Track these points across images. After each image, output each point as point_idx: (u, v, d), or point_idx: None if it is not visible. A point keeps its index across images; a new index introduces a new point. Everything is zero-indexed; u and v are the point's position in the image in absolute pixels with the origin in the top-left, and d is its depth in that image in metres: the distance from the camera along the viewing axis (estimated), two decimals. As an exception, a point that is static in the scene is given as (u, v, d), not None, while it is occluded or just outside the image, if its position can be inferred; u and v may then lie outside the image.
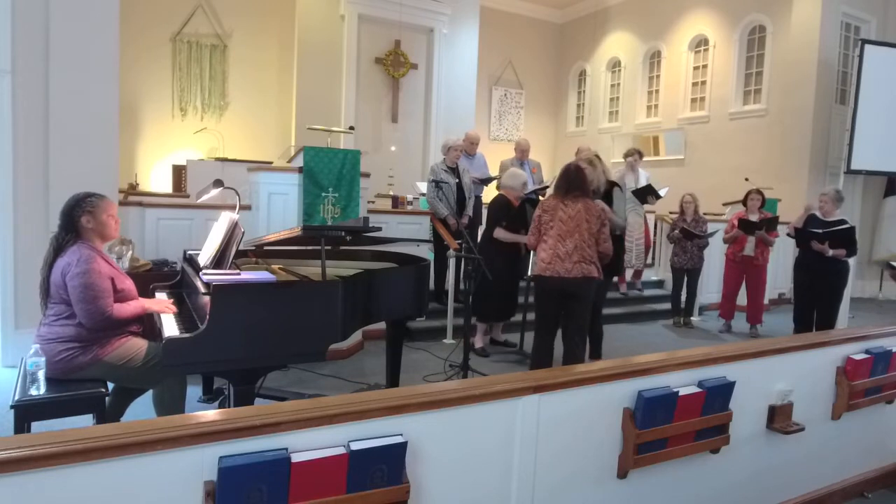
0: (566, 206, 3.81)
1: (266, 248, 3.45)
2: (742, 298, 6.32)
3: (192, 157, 8.02)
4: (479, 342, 5.12)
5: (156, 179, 8.69)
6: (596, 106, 12.18)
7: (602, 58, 11.98)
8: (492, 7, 11.29)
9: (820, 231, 4.97)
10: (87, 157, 4.17)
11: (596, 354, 4.61)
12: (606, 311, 6.36)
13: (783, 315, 7.01)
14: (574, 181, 3.90)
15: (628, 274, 7.02)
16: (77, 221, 2.60)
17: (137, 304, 2.70)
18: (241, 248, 3.00)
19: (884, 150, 8.36)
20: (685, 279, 6.44)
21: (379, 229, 3.12)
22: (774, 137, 8.99)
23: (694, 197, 6.44)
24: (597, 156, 4.72)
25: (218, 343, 2.32)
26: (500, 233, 4.73)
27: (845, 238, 5.00)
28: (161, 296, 3.16)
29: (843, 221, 5.18)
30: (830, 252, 4.96)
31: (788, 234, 5.43)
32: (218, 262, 2.78)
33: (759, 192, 6.13)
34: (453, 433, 1.74)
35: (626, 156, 6.84)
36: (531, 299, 5.75)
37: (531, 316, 5.80)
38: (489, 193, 5.90)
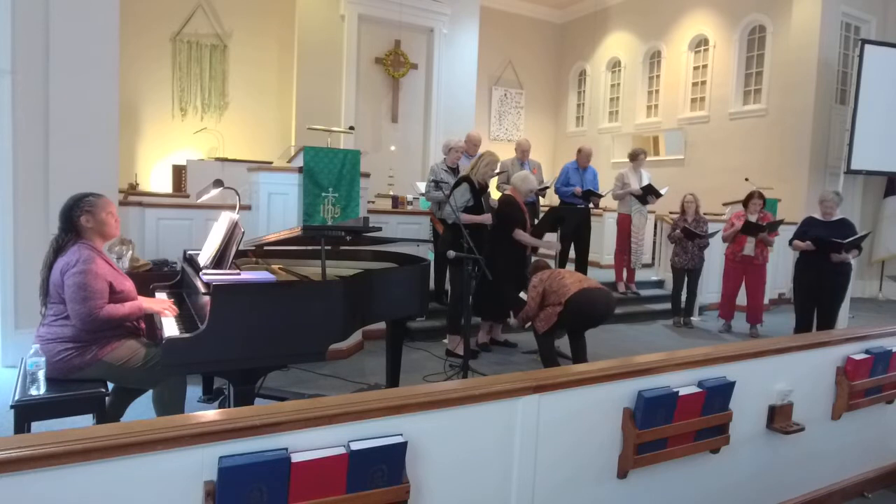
0: (552, 269, 4.39)
1: (266, 248, 3.45)
2: (742, 298, 6.32)
3: (192, 157, 8.02)
4: (482, 338, 5.13)
5: (156, 179, 8.69)
6: (596, 106, 12.18)
7: (602, 58, 11.98)
8: (492, 7, 11.29)
9: (843, 241, 5.02)
10: (87, 157, 4.17)
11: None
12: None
13: (783, 315, 7.01)
14: (543, 264, 4.52)
15: (623, 275, 7.04)
16: (76, 221, 2.60)
17: (134, 304, 2.68)
18: (241, 248, 3.00)
19: (884, 150, 8.36)
20: (685, 279, 6.45)
21: (379, 229, 3.12)
22: (774, 137, 8.99)
23: (695, 197, 6.44)
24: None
25: (218, 343, 2.32)
26: (520, 235, 4.76)
27: (860, 241, 5.12)
28: (161, 296, 3.15)
29: (844, 220, 5.22)
30: (850, 257, 5.08)
31: (794, 248, 5.40)
32: (218, 262, 2.77)
33: (760, 195, 6.13)
34: (453, 433, 1.74)
35: (632, 157, 6.84)
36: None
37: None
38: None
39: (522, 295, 4.38)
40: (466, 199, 4.61)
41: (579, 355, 4.29)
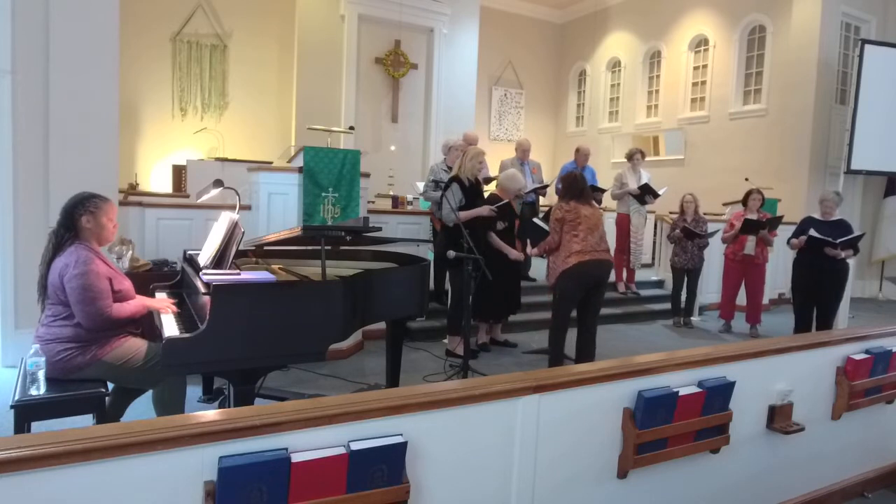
0: (584, 206, 4.26)
1: (266, 248, 3.45)
2: (742, 298, 6.32)
3: (192, 157, 8.02)
4: (482, 338, 5.13)
5: (156, 179, 8.69)
6: (596, 106, 12.18)
7: (602, 58, 11.98)
8: (492, 7, 11.29)
9: (836, 241, 5.03)
10: (87, 157, 4.17)
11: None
12: (605, 311, 6.39)
13: (783, 315, 7.01)
14: (583, 185, 4.37)
15: (624, 275, 7.04)
16: (77, 220, 2.60)
17: (138, 303, 2.70)
18: (241, 248, 3.00)
19: (884, 150, 8.36)
20: (685, 279, 6.45)
21: (379, 229, 3.12)
22: (774, 137, 8.99)
23: (694, 197, 6.45)
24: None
25: (218, 343, 2.32)
26: (494, 239, 4.75)
27: (854, 241, 5.13)
28: (161, 296, 3.15)
29: (842, 221, 5.22)
30: (843, 254, 5.09)
31: (791, 246, 5.42)
32: (218, 262, 2.77)
33: (759, 192, 6.14)
34: (453, 433, 1.74)
35: (629, 157, 6.86)
36: (531, 299, 5.78)
37: (531, 316, 5.82)
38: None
39: (538, 222, 4.37)
40: (459, 199, 4.60)
41: (584, 359, 4.28)
